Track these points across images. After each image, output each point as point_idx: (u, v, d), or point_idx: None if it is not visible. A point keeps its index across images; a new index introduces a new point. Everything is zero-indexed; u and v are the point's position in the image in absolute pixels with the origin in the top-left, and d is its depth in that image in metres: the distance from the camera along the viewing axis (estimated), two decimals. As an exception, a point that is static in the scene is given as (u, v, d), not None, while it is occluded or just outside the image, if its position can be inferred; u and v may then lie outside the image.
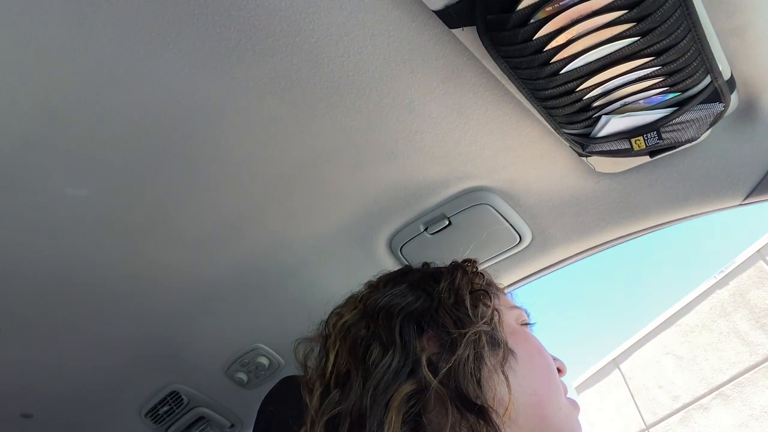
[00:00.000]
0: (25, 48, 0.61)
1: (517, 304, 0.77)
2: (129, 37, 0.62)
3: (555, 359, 0.70)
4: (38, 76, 0.64)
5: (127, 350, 1.18)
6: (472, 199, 0.96)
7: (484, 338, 0.65)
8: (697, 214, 0.91)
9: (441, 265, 0.79)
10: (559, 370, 0.70)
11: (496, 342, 0.66)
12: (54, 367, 1.16)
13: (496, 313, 0.69)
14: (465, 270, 0.75)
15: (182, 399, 1.28)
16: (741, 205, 0.86)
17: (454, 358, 0.61)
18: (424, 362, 0.62)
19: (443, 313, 0.66)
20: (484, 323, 0.66)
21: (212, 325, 1.16)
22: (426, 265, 0.82)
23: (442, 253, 0.85)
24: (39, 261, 0.90)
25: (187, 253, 0.98)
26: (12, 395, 1.20)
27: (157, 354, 1.22)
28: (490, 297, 0.71)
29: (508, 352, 0.66)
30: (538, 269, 1.10)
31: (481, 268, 0.79)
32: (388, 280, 0.76)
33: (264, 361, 1.21)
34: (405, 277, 0.76)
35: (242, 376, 1.23)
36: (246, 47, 0.65)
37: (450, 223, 1.00)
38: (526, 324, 0.74)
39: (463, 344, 0.62)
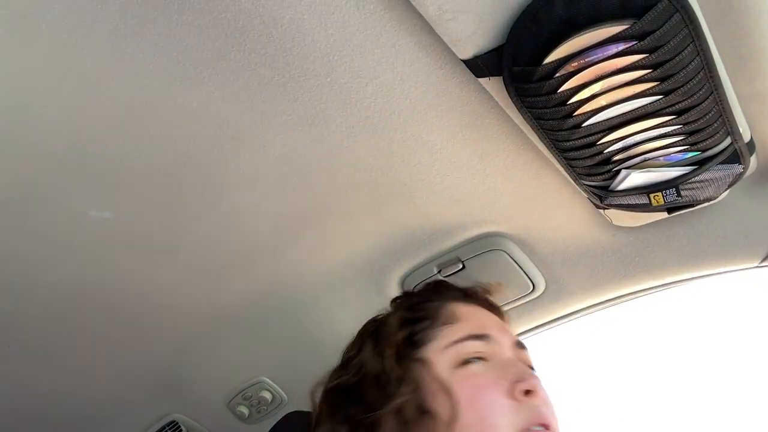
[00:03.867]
0: (64, 75, 0.64)
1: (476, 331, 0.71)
2: (167, 69, 0.64)
3: (523, 380, 0.65)
4: (75, 102, 0.66)
5: (129, 376, 1.17)
6: (487, 244, 0.96)
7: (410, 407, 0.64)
8: (713, 274, 0.90)
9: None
10: (528, 392, 0.64)
11: (423, 409, 0.64)
12: (49, 391, 1.14)
13: (422, 369, 0.67)
14: (387, 322, 0.75)
15: (181, 430, 1.26)
16: (758, 266, 0.86)
17: None
18: None
19: (367, 389, 0.67)
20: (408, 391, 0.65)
21: (218, 354, 1.15)
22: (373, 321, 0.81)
23: (454, 297, 0.85)
24: (49, 280, 0.90)
25: (200, 279, 0.99)
26: (4, 419, 1.18)
27: (159, 381, 1.20)
28: (417, 344, 0.70)
29: (451, 405, 0.63)
30: (550, 319, 1.09)
31: None
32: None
33: (267, 395, 1.19)
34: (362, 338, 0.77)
35: (244, 409, 1.21)
36: (278, 84, 0.67)
37: (464, 267, 1.00)
38: (471, 359, 0.68)
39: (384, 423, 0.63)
